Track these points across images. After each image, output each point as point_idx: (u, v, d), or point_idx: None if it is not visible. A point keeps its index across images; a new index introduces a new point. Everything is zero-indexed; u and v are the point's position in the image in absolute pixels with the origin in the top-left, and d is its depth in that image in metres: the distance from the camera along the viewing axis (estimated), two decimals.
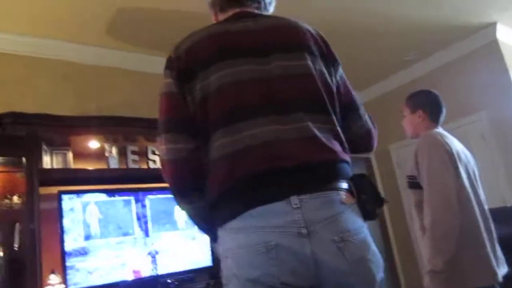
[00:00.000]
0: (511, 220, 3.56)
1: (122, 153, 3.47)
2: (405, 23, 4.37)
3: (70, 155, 3.27)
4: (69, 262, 2.95)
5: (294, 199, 1.01)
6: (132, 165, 3.48)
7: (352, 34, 4.31)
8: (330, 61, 1.25)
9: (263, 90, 1.12)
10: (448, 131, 2.42)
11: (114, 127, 3.34)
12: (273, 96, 1.12)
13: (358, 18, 4.10)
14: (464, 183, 2.09)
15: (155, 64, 4.20)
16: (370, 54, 4.83)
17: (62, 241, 2.97)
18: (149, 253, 3.33)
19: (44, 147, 3.09)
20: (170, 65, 1.17)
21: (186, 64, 1.14)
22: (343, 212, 1.05)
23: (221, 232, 1.10)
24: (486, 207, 2.20)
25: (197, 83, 1.12)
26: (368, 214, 1.12)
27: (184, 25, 3.74)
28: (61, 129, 3.10)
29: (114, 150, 3.41)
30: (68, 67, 3.72)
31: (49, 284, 2.79)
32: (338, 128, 1.18)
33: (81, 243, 3.04)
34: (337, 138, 1.15)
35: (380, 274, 1.06)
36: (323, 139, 1.10)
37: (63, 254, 2.95)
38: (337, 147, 1.13)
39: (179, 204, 1.21)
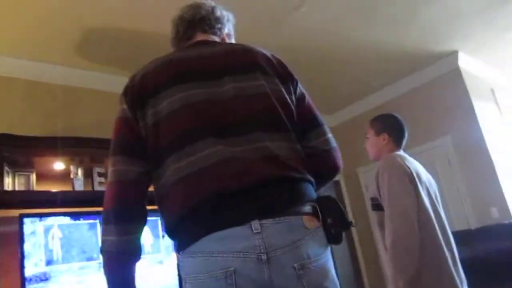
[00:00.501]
0: (474, 243, 3.64)
1: (88, 175, 3.39)
2: (371, 50, 4.50)
3: (33, 176, 3.18)
4: None
5: (255, 224, 0.99)
6: (98, 188, 3.40)
7: (320, 59, 4.40)
8: (288, 79, 1.24)
9: (216, 111, 1.11)
10: (415, 155, 2.47)
11: (81, 148, 3.27)
12: (227, 117, 1.11)
13: (326, 45, 4.20)
14: (424, 203, 2.12)
15: (123, 84, 4.18)
16: (338, 79, 4.93)
17: (22, 266, 2.85)
18: None
19: (6, 168, 2.99)
20: (125, 92, 1.20)
21: (138, 92, 1.16)
22: (305, 238, 1.03)
23: (182, 257, 1.07)
24: (448, 228, 2.25)
25: (148, 109, 1.12)
26: (333, 238, 1.10)
27: (152, 45, 3.74)
28: (24, 150, 3.01)
29: (80, 172, 3.33)
30: (33, 86, 3.64)
31: None
32: (299, 146, 1.16)
33: (42, 268, 2.93)
34: (298, 156, 1.13)
35: None
36: (283, 158, 1.08)
37: (23, 280, 2.83)
38: (298, 165, 1.11)
39: (107, 233, 1.11)
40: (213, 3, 1.39)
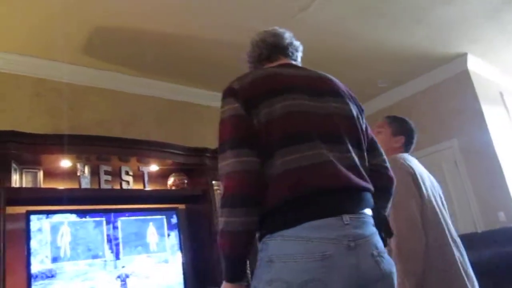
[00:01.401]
0: (481, 246, 3.61)
1: (95, 173, 3.40)
2: (379, 51, 4.48)
3: (40, 174, 3.19)
4: (35, 285, 2.84)
5: (345, 217, 1.19)
6: (104, 186, 3.41)
7: (327, 59, 4.38)
8: (360, 108, 1.50)
9: (322, 121, 1.33)
10: (422, 157, 2.45)
11: (88, 146, 3.28)
12: (330, 127, 1.34)
13: (333, 45, 4.19)
14: (428, 204, 2.11)
15: (130, 83, 4.20)
16: (344, 80, 4.88)
17: (28, 263, 2.87)
18: (119, 277, 3.24)
19: (14, 165, 3.01)
20: (234, 94, 1.33)
21: (252, 93, 1.32)
22: (375, 234, 1.27)
23: (269, 239, 1.21)
24: (454, 230, 2.23)
25: (262, 109, 1.29)
26: (382, 242, 1.32)
27: (158, 45, 3.78)
28: (32, 147, 3.01)
29: (86, 170, 3.34)
30: (41, 84, 3.66)
31: None
32: (367, 164, 1.41)
33: (48, 265, 2.94)
34: (366, 171, 1.37)
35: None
36: (361, 170, 1.33)
37: (29, 277, 2.85)
38: (367, 177, 1.35)
39: (231, 216, 1.22)
40: (291, 34, 1.63)
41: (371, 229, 1.26)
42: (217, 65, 4.18)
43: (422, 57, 4.77)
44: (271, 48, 1.57)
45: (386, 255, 1.27)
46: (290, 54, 1.58)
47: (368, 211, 1.29)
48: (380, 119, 2.59)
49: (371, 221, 1.29)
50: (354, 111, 1.44)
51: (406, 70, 5.04)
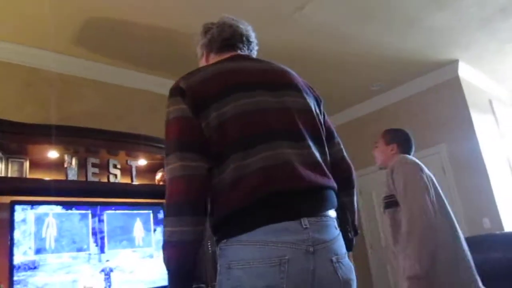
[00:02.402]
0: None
1: (82, 165, 3.37)
2: (372, 55, 4.50)
3: (26, 164, 3.15)
4: (17, 276, 2.81)
5: (304, 220, 1.14)
6: (91, 178, 3.38)
7: (320, 61, 4.40)
8: (319, 100, 1.45)
9: (282, 117, 1.27)
10: None
11: (76, 138, 3.24)
12: (289, 124, 1.27)
13: (327, 47, 4.20)
14: (439, 198, 2.30)
15: (122, 76, 4.17)
16: (337, 82, 4.94)
17: (11, 254, 2.83)
18: (103, 270, 3.21)
19: (0, 154, 2.97)
20: (181, 93, 1.25)
21: (201, 94, 1.24)
22: (337, 237, 1.22)
23: (227, 245, 1.16)
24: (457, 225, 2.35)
25: (212, 112, 1.21)
26: (348, 243, 1.31)
27: (151, 38, 3.75)
28: (19, 136, 2.97)
29: (74, 162, 3.30)
30: (32, 73, 3.62)
31: None
32: (328, 158, 1.35)
33: (31, 257, 2.91)
34: (328, 167, 1.31)
35: None
36: (323, 167, 1.27)
37: (11, 268, 2.81)
38: (330, 174, 1.29)
39: (180, 224, 1.14)
40: (248, 26, 1.53)
41: (333, 233, 1.21)
42: None
43: (414, 62, 4.81)
44: (227, 37, 1.47)
45: (345, 261, 1.22)
46: (246, 46, 1.49)
47: (331, 213, 1.25)
48: (369, 124, 2.79)
49: (334, 223, 1.24)
50: (312, 104, 1.37)
51: (397, 74, 5.07)
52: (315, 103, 1.40)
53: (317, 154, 1.28)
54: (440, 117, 5.11)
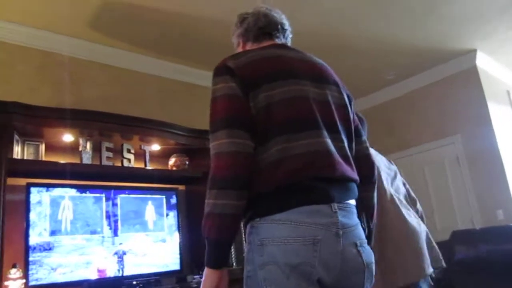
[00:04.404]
0: (478, 243, 3.62)
1: (97, 149, 3.40)
2: (389, 44, 4.44)
3: (42, 147, 3.19)
4: (32, 257, 2.86)
5: (334, 205, 1.21)
6: (106, 162, 3.41)
7: (335, 48, 4.35)
8: (349, 97, 1.49)
9: (324, 109, 1.32)
10: (424, 152, 2.48)
11: (90, 121, 3.27)
12: (329, 116, 1.33)
13: (342, 34, 4.15)
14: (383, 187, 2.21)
15: (136, 61, 4.18)
16: (352, 70, 4.88)
17: (27, 235, 2.89)
18: (116, 253, 3.26)
19: (16, 136, 3.01)
20: (230, 72, 1.28)
21: (251, 74, 1.28)
22: (359, 224, 1.30)
23: (261, 223, 1.21)
24: (412, 210, 2.31)
25: (261, 92, 1.25)
26: (364, 231, 1.36)
27: (168, 25, 3.74)
28: (35, 119, 3.00)
29: (88, 145, 3.33)
30: (47, 57, 3.64)
31: (10, 279, 2.69)
32: (354, 153, 1.41)
33: (46, 238, 2.96)
34: (353, 161, 1.38)
35: None
36: (351, 161, 1.35)
37: (27, 248, 2.87)
38: (355, 169, 1.36)
39: (224, 197, 1.18)
40: (282, 14, 1.56)
41: (356, 220, 1.28)
42: (224, 48, 4.13)
43: (430, 51, 4.73)
44: (263, 25, 1.50)
45: (367, 246, 1.29)
46: (282, 35, 1.53)
47: (353, 202, 1.31)
48: (383, 113, 2.69)
49: (355, 211, 1.31)
50: (347, 100, 1.43)
51: (414, 63, 5.00)
52: (349, 101, 1.46)
53: (347, 148, 1.35)
54: (456, 108, 5.05)
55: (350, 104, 1.47)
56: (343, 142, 1.33)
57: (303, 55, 1.43)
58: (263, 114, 1.24)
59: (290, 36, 1.56)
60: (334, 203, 1.21)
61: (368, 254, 1.28)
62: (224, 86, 1.27)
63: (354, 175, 1.33)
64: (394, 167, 2.49)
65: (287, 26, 1.54)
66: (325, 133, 1.28)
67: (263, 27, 1.49)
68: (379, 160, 2.39)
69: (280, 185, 1.19)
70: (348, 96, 1.47)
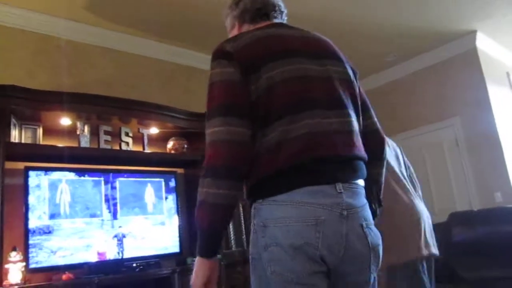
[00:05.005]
0: (475, 224, 3.65)
1: (95, 133, 3.39)
2: (389, 26, 4.40)
3: (40, 130, 3.18)
4: (32, 240, 2.88)
5: (339, 185, 1.18)
6: (104, 146, 3.40)
7: (337, 30, 4.31)
8: (355, 72, 1.45)
9: (325, 86, 1.29)
10: (423, 134, 2.45)
11: (88, 105, 3.26)
12: (332, 92, 1.29)
13: (345, 17, 4.11)
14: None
15: (134, 44, 4.14)
16: (351, 52, 4.81)
17: (26, 218, 2.90)
18: (115, 236, 3.27)
19: (13, 120, 2.99)
20: (227, 56, 1.26)
21: (250, 57, 1.25)
22: (366, 205, 1.26)
23: (263, 204, 1.20)
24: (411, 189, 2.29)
25: (262, 74, 1.22)
26: (372, 213, 1.33)
27: (167, 7, 3.69)
28: (32, 103, 2.99)
29: (86, 129, 3.32)
30: (46, 40, 3.60)
31: (10, 262, 2.71)
32: (361, 129, 1.38)
33: (45, 221, 2.97)
34: (360, 138, 1.34)
35: None
36: (359, 137, 1.31)
37: (26, 232, 2.88)
38: (362, 146, 1.33)
39: (212, 187, 1.17)
40: None
41: (363, 200, 1.25)
42: (224, 30, 4.09)
43: (430, 32, 4.69)
44: (260, 6, 1.47)
45: (373, 227, 1.26)
46: (279, 15, 1.50)
47: (361, 182, 1.28)
48: (383, 96, 2.63)
49: (363, 192, 1.28)
50: (352, 74, 1.40)
51: (414, 45, 4.96)
52: (353, 74, 1.42)
53: (355, 124, 1.31)
54: (455, 89, 5.02)
55: (356, 78, 1.43)
56: (349, 117, 1.29)
57: (303, 32, 1.40)
58: (264, 97, 1.22)
59: (286, 18, 1.54)
60: (338, 183, 1.18)
61: (375, 236, 1.24)
62: (222, 71, 1.25)
63: (361, 152, 1.30)
64: (398, 149, 2.47)
65: (283, 7, 1.52)
66: (328, 112, 1.25)
67: (260, 8, 1.46)
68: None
69: (281, 168, 1.17)
70: (352, 70, 1.43)
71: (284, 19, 1.52)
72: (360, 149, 1.30)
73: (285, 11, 1.53)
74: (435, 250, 2.15)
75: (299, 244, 1.12)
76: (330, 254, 1.14)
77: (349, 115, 1.29)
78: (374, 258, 1.23)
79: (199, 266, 1.22)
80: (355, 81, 1.41)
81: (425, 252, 2.09)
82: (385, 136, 1.51)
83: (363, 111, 1.42)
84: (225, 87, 1.23)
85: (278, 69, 1.24)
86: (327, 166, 1.20)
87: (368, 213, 1.26)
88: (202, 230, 1.20)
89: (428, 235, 2.15)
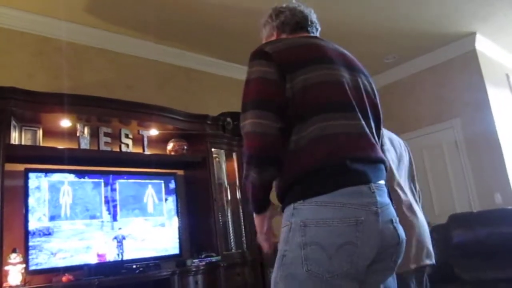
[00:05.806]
0: (475, 226, 3.64)
1: (94, 134, 3.39)
2: (388, 27, 4.40)
3: (40, 132, 3.18)
4: (32, 242, 2.87)
5: (372, 185, 1.27)
6: (104, 147, 3.41)
7: (337, 31, 4.31)
8: (375, 86, 1.56)
9: (356, 94, 1.40)
10: (422, 136, 2.44)
11: (88, 107, 3.26)
12: (361, 101, 1.40)
13: (344, 18, 4.11)
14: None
15: (133, 46, 4.15)
16: (352, 54, 4.83)
17: (26, 220, 2.89)
18: (115, 238, 3.27)
19: (14, 122, 3.00)
20: (266, 56, 1.37)
21: (288, 59, 1.37)
22: (390, 203, 1.36)
23: (304, 205, 1.26)
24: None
25: (298, 75, 1.33)
26: None
27: (166, 9, 3.70)
28: (32, 105, 2.99)
29: (86, 131, 3.32)
30: (45, 42, 3.61)
31: (10, 263, 2.71)
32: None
33: (45, 223, 2.97)
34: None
35: None
36: (378, 145, 1.42)
37: (26, 233, 2.88)
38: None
39: (252, 171, 1.30)
40: (312, 10, 1.69)
41: (388, 198, 1.35)
42: (222, 32, 4.12)
43: (429, 34, 4.69)
44: (299, 20, 1.61)
45: (399, 223, 1.37)
46: (314, 30, 1.65)
47: (383, 182, 1.38)
48: (382, 98, 2.62)
49: (387, 190, 1.37)
50: (375, 89, 1.52)
51: (413, 46, 4.97)
52: (375, 89, 1.53)
53: (375, 134, 1.42)
54: (455, 91, 5.03)
55: (377, 93, 1.55)
56: (371, 128, 1.40)
57: (336, 46, 1.53)
58: (299, 95, 1.32)
59: (319, 30, 1.68)
60: (371, 183, 1.27)
61: (402, 231, 1.35)
62: (260, 69, 1.35)
63: (383, 156, 1.40)
64: (402, 149, 2.43)
65: (318, 26, 1.67)
66: (359, 116, 1.35)
67: (299, 22, 1.61)
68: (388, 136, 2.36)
69: (318, 167, 1.26)
70: (374, 85, 1.55)
71: (317, 32, 1.67)
72: (381, 152, 1.41)
73: (320, 29, 1.68)
74: (428, 261, 2.11)
75: (340, 243, 1.20)
76: (368, 250, 1.23)
77: (371, 126, 1.41)
78: (401, 250, 1.35)
79: (257, 221, 1.42)
80: (377, 96, 1.53)
81: (412, 265, 2.04)
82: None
83: (379, 123, 1.54)
84: (261, 83, 1.34)
85: (314, 72, 1.35)
86: (362, 167, 1.29)
87: (393, 210, 1.35)
88: (252, 195, 1.35)
89: (420, 245, 2.09)
